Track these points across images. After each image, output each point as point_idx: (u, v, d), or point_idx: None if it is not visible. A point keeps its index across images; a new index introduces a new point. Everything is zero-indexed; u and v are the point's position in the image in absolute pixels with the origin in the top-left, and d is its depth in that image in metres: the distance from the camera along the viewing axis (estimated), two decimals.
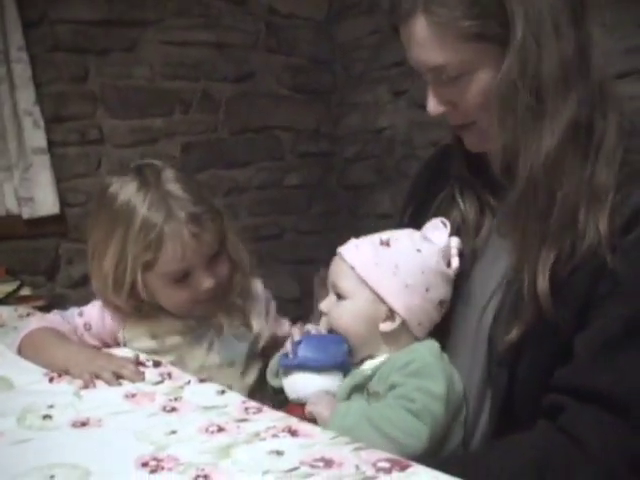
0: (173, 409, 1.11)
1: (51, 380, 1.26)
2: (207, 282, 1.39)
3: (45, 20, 2.82)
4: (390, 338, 1.17)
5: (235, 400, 1.14)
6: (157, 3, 3.07)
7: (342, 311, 1.19)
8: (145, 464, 0.90)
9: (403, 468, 0.83)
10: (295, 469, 0.85)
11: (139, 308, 1.43)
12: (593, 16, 1.07)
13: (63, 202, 2.85)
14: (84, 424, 1.06)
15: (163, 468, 0.89)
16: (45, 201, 2.76)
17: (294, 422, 1.01)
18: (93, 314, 1.46)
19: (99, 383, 1.23)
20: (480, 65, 1.06)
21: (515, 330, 1.06)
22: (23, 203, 2.72)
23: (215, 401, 1.14)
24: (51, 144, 2.80)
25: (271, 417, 1.04)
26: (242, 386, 1.45)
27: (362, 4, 3.36)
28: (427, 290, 1.16)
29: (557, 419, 1.02)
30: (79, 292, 2.90)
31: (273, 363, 1.30)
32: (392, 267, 1.15)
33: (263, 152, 3.35)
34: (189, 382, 1.23)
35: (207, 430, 1.01)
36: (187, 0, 3.14)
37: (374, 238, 1.20)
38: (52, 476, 0.87)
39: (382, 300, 1.16)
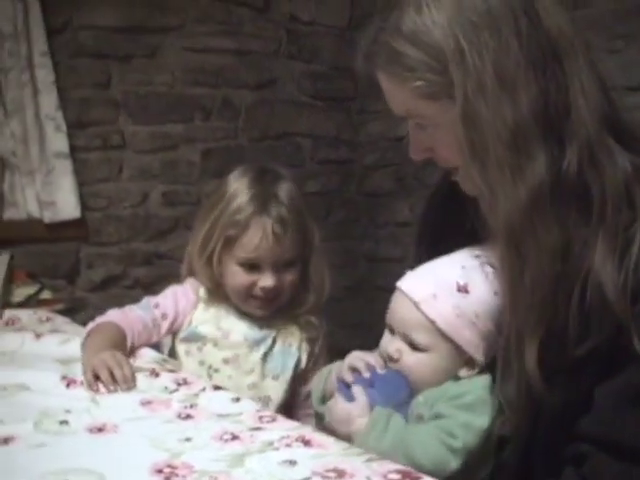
0: (188, 416, 1.12)
1: (68, 385, 1.28)
2: (267, 281, 1.53)
3: (69, 26, 2.84)
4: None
5: (249, 408, 1.15)
6: (179, 9, 3.08)
7: (419, 364, 1.11)
8: (159, 471, 0.91)
9: None
10: (307, 479, 0.86)
11: (212, 280, 1.58)
12: (578, 61, 1.00)
13: (84, 206, 2.86)
14: (100, 430, 1.08)
15: (177, 475, 0.90)
16: (66, 205, 2.78)
17: (307, 432, 1.02)
18: (168, 303, 1.60)
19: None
20: (441, 120, 1.03)
21: (510, 419, 1.04)
22: (44, 207, 2.74)
23: (230, 409, 1.15)
24: (73, 149, 2.81)
25: (285, 427, 1.05)
26: (278, 401, 1.56)
27: (383, 12, 3.36)
28: (500, 330, 1.10)
29: (581, 468, 1.00)
30: (99, 296, 2.93)
31: (318, 388, 1.25)
32: (473, 317, 1.08)
33: (283, 159, 3.35)
34: (204, 389, 1.24)
35: (221, 438, 1.02)
36: (209, 7, 3.14)
37: (450, 282, 1.10)
38: None
39: (463, 350, 1.10)
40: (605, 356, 0.98)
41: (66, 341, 1.59)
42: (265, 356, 1.57)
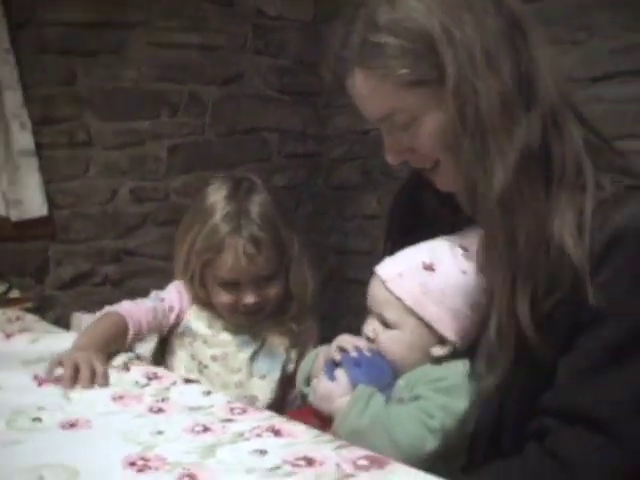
0: (160, 410, 1.13)
1: (40, 384, 1.28)
2: (248, 298, 1.56)
3: (33, 22, 2.82)
4: (437, 358, 1.15)
5: (220, 401, 1.16)
6: (144, 5, 3.07)
7: (392, 341, 1.15)
8: (133, 464, 0.92)
9: (381, 465, 0.86)
10: (277, 468, 0.88)
11: (198, 295, 1.63)
12: (538, 36, 1.06)
13: (52, 204, 2.85)
14: (73, 425, 1.08)
15: (150, 467, 0.91)
16: (33, 203, 2.77)
17: (278, 422, 1.04)
18: (173, 297, 1.64)
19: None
20: (426, 109, 1.06)
21: (497, 373, 1.06)
22: (11, 205, 2.73)
23: (201, 402, 1.16)
24: (39, 146, 2.80)
25: (255, 417, 1.07)
26: (266, 400, 1.58)
27: (349, 6, 3.37)
28: (472, 310, 1.13)
29: (544, 441, 1.03)
30: (68, 294, 2.92)
31: (305, 369, 1.28)
32: (439, 295, 1.12)
33: (250, 153, 3.37)
34: (175, 383, 1.26)
35: (193, 430, 1.03)
36: (174, 2, 3.14)
37: (416, 261, 1.14)
38: (41, 477, 0.89)
39: (432, 327, 1.13)
40: (566, 321, 1.02)
41: (36, 340, 1.59)
42: (253, 356, 1.60)
